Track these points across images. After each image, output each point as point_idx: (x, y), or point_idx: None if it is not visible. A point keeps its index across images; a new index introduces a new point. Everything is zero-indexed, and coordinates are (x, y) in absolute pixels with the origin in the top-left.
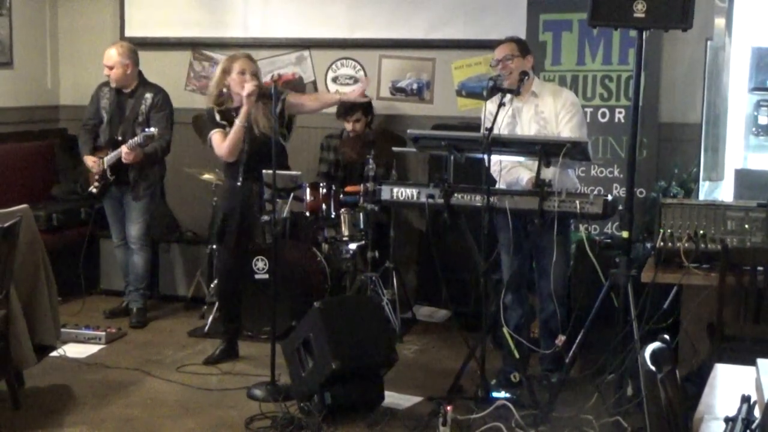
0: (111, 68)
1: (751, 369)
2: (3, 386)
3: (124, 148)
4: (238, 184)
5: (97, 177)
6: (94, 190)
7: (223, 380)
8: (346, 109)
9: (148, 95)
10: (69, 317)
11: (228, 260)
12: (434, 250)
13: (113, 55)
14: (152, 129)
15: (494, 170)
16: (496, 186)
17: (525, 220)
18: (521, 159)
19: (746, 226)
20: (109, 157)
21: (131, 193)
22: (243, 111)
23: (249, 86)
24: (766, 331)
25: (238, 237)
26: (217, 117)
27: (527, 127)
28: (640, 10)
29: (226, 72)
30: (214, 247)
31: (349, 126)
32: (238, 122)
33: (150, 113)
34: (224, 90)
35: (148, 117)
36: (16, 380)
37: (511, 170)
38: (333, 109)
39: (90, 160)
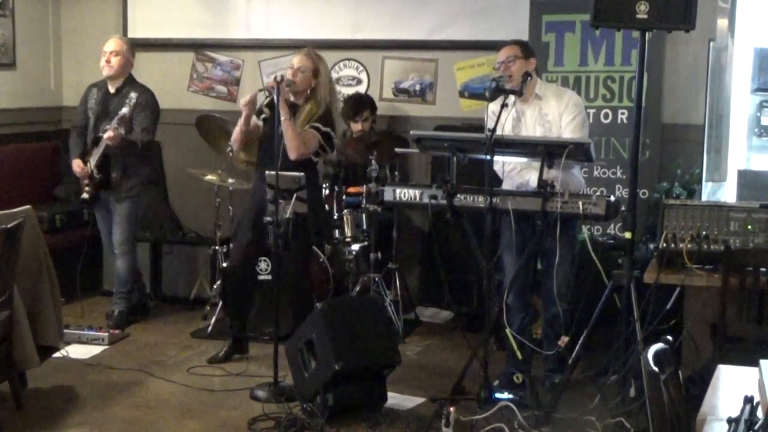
0: (115, 54)
1: (754, 370)
2: (6, 387)
3: (107, 133)
4: (252, 184)
5: (86, 182)
6: (86, 196)
7: (226, 381)
8: (355, 109)
9: (133, 94)
10: (72, 318)
11: (237, 258)
12: (437, 251)
13: (119, 42)
14: (125, 110)
15: (498, 170)
16: (502, 186)
17: (531, 221)
18: (524, 160)
19: (749, 227)
20: (95, 156)
21: (113, 194)
22: (243, 115)
23: (245, 97)
24: None
25: (251, 237)
26: (261, 116)
27: (532, 130)
28: (642, 11)
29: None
30: (217, 248)
31: (358, 126)
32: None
33: (134, 112)
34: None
35: (132, 116)
36: (19, 381)
37: (521, 171)
38: (338, 110)
39: (76, 165)
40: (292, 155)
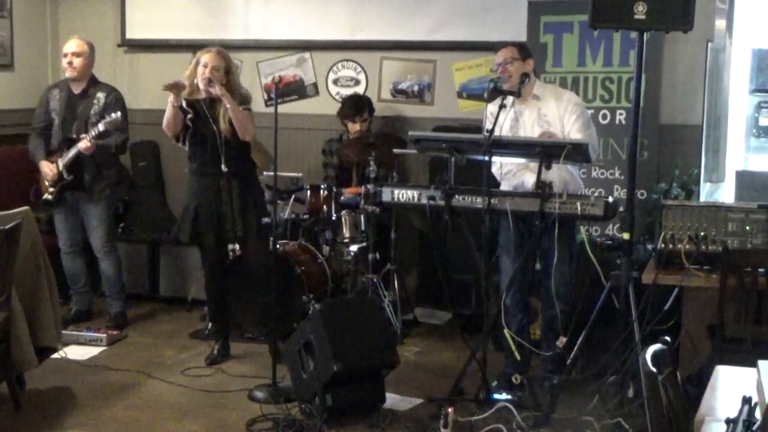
0: (77, 56)
1: (752, 370)
2: (4, 388)
3: (82, 143)
4: (194, 182)
5: (51, 183)
6: (49, 197)
7: (225, 382)
8: (354, 109)
9: (101, 95)
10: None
11: (206, 259)
12: (435, 252)
13: (80, 42)
14: (115, 114)
15: (495, 172)
16: (499, 188)
17: (529, 222)
18: (522, 161)
19: (747, 227)
20: (66, 157)
21: (86, 195)
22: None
23: (205, 74)
24: (766, 332)
25: (215, 239)
26: (183, 104)
27: (530, 131)
28: (640, 11)
29: (197, 64)
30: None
31: (356, 126)
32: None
33: (104, 113)
34: (195, 81)
35: (102, 117)
36: (18, 382)
37: (516, 173)
38: (335, 111)
39: (45, 167)
40: (246, 136)
